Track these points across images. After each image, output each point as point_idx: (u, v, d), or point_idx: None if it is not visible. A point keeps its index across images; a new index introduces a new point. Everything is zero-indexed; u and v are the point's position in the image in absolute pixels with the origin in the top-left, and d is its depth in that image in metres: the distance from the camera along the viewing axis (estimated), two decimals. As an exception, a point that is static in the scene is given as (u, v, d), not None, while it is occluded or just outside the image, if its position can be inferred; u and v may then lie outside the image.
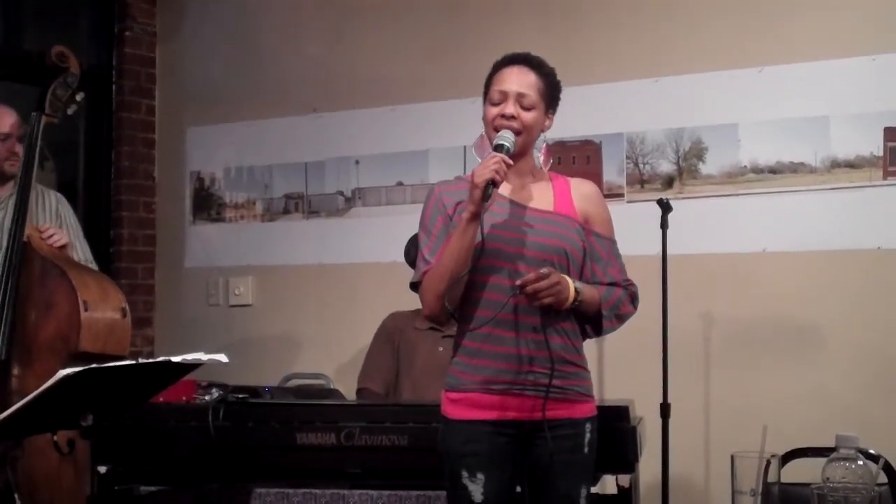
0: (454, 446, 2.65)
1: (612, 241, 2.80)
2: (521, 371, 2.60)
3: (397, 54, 4.80)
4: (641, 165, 4.27)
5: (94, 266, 3.84)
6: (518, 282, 2.52)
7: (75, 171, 5.30)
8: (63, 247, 3.62)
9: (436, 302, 2.66)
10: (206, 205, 5.33)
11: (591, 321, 2.73)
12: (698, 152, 4.17)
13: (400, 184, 4.78)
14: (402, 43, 4.80)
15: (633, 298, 2.78)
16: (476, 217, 2.54)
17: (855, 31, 3.91)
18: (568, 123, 3.99)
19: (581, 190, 2.80)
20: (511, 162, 2.58)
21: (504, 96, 2.67)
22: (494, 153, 2.56)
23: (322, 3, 5.05)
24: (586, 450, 2.67)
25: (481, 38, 4.41)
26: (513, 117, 2.65)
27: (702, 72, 4.15)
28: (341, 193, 4.94)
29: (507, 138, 2.61)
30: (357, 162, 4.89)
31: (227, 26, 5.31)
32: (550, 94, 2.73)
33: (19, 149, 3.70)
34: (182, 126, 5.40)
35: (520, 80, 2.68)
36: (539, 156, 2.78)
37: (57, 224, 3.76)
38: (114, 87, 5.38)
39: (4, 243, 3.56)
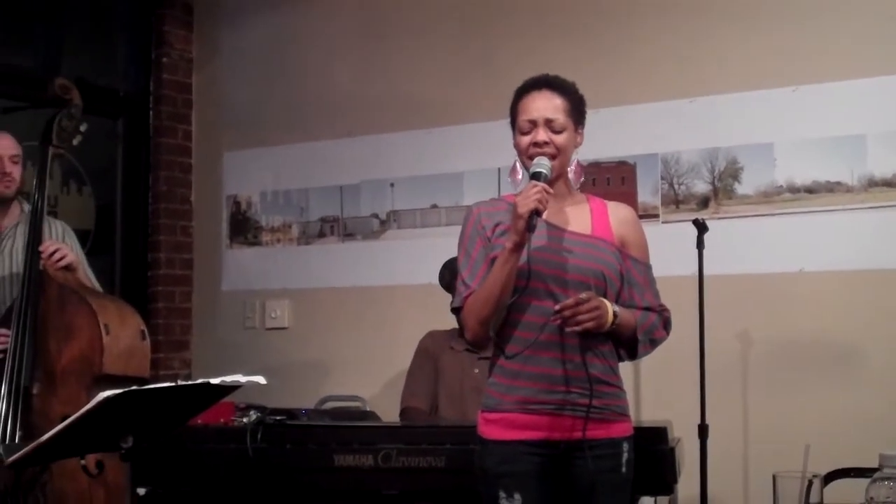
0: (491, 467, 2.64)
1: (648, 266, 2.79)
2: (559, 391, 2.60)
3: (431, 77, 4.83)
4: (676, 186, 4.26)
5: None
6: (557, 307, 2.53)
7: (113, 195, 5.36)
8: (69, 266, 3.61)
9: (480, 327, 2.66)
10: (243, 228, 5.37)
11: (626, 345, 2.72)
12: (734, 172, 4.16)
13: (434, 206, 4.80)
14: (435, 66, 4.83)
15: (667, 324, 2.78)
16: (520, 247, 2.55)
17: (889, 48, 3.89)
18: (602, 144, 4.05)
19: (618, 214, 2.80)
20: (551, 190, 2.59)
21: (533, 125, 2.68)
22: (535, 182, 2.57)
23: (356, 28, 5.09)
24: (624, 469, 2.66)
25: (514, 61, 4.40)
26: (546, 143, 2.66)
27: (737, 91, 4.14)
28: (376, 216, 4.96)
29: (544, 165, 2.61)
30: (392, 185, 4.91)
31: (262, 52, 5.36)
32: (577, 111, 2.73)
33: (13, 170, 3.70)
34: (219, 150, 5.45)
35: (545, 106, 2.68)
36: (571, 172, 2.77)
37: None
38: (151, 112, 5.44)
39: (12, 270, 3.61)
